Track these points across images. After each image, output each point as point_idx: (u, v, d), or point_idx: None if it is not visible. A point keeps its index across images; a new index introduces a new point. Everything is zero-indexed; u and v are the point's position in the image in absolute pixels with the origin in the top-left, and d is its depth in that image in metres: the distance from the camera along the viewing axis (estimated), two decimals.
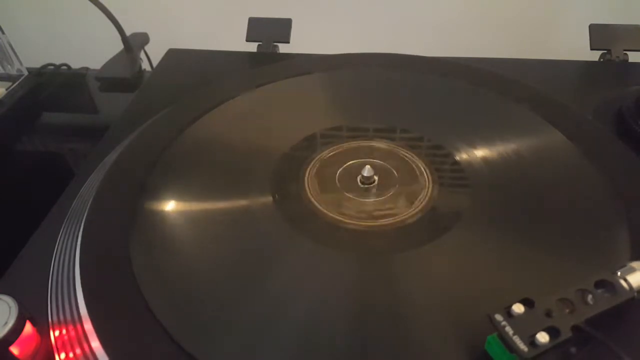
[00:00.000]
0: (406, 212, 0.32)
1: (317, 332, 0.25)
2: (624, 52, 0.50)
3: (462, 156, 0.36)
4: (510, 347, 0.21)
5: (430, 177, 0.34)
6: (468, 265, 0.28)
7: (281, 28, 0.55)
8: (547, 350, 0.21)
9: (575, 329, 0.22)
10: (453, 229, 0.30)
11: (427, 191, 0.33)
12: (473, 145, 0.36)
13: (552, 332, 0.21)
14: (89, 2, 0.55)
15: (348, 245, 0.30)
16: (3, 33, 0.57)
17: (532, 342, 0.21)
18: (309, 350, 0.24)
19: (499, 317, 0.22)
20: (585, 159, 0.34)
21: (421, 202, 0.32)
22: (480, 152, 0.36)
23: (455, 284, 0.27)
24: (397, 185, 0.34)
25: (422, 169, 0.35)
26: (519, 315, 0.22)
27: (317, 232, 0.31)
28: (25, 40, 0.63)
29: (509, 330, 0.22)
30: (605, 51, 0.51)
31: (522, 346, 0.21)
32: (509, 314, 0.22)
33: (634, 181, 0.33)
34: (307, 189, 0.34)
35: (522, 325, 0.22)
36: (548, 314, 0.22)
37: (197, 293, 0.27)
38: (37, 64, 0.63)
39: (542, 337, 0.21)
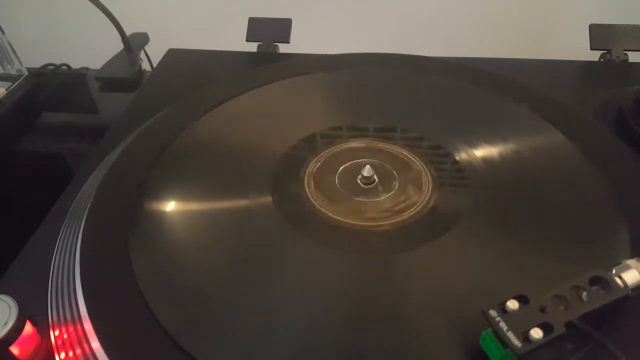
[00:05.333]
0: (406, 211, 0.32)
1: (317, 331, 0.25)
2: (624, 52, 0.50)
3: (462, 156, 0.36)
4: (504, 342, 0.21)
5: (430, 177, 0.34)
6: (468, 265, 0.28)
7: (281, 28, 0.55)
8: (540, 345, 0.21)
9: (568, 325, 0.22)
10: (453, 229, 0.30)
11: (427, 191, 0.33)
12: (473, 145, 0.36)
13: (546, 328, 0.22)
14: (89, 2, 0.55)
15: (348, 245, 0.30)
16: (3, 33, 0.57)
17: (525, 338, 0.21)
18: (309, 350, 0.24)
19: (493, 312, 0.22)
20: (585, 159, 0.34)
21: (421, 202, 0.32)
22: (480, 152, 0.36)
23: (455, 283, 0.27)
24: (397, 185, 0.34)
25: (422, 168, 0.35)
26: (513, 311, 0.22)
27: (317, 232, 0.31)
28: (25, 40, 0.63)
29: (503, 326, 0.22)
30: (605, 51, 0.51)
31: (516, 342, 0.21)
32: (503, 310, 0.22)
33: (634, 181, 0.33)
34: (307, 189, 0.34)
35: (516, 321, 0.22)
36: (542, 310, 0.22)
37: (197, 293, 0.27)
38: (37, 64, 0.63)
39: (536, 333, 0.21)
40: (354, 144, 0.38)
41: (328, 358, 0.24)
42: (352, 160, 0.36)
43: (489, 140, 0.37)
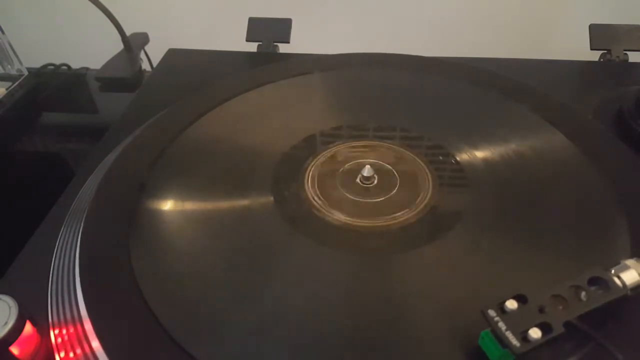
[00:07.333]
0: (406, 212, 0.32)
1: (317, 331, 0.25)
2: (624, 52, 0.50)
3: (462, 156, 0.36)
4: (503, 342, 0.21)
5: (430, 177, 0.34)
6: (468, 265, 0.28)
7: (281, 28, 0.55)
8: (539, 345, 0.21)
9: (567, 325, 0.22)
10: (453, 229, 0.30)
11: (427, 191, 0.33)
12: (473, 145, 0.36)
13: (545, 328, 0.22)
14: (89, 2, 0.55)
15: (348, 245, 0.30)
16: (3, 33, 0.57)
17: (524, 338, 0.21)
18: (309, 350, 0.24)
19: (492, 312, 0.22)
20: (585, 159, 0.34)
21: (421, 202, 0.32)
22: (480, 152, 0.36)
23: (455, 283, 0.27)
24: (397, 185, 0.34)
25: (422, 169, 0.35)
26: (512, 311, 0.22)
27: (317, 232, 0.31)
28: (25, 40, 0.63)
29: (501, 325, 0.22)
30: (605, 51, 0.51)
31: (515, 341, 0.21)
32: (502, 310, 0.22)
33: (634, 181, 0.33)
34: (307, 189, 0.34)
35: (515, 321, 0.22)
36: (541, 310, 0.22)
37: (197, 293, 0.27)
38: (37, 64, 0.63)
39: (535, 333, 0.21)
40: (354, 144, 0.38)
41: (328, 358, 0.24)
42: (352, 161, 0.36)
43: (489, 140, 0.37)
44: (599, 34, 0.51)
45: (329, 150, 0.37)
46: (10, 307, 0.25)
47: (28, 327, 0.25)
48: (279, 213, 0.32)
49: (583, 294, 0.23)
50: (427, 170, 0.35)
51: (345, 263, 0.29)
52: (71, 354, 0.25)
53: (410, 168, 0.35)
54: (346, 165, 0.36)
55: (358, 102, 0.43)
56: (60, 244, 0.32)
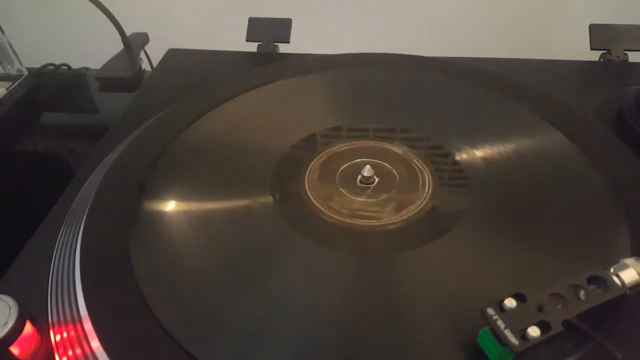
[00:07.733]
0: (406, 211, 0.32)
1: (317, 331, 0.25)
2: (624, 52, 0.50)
3: (462, 156, 0.36)
4: (502, 340, 0.21)
5: (430, 177, 0.34)
6: (468, 265, 0.28)
7: (281, 28, 0.55)
8: (538, 344, 0.21)
9: (566, 323, 0.22)
10: (453, 229, 0.30)
11: (427, 191, 0.33)
12: (473, 145, 0.36)
13: (544, 326, 0.22)
14: (89, 2, 0.55)
15: (348, 245, 0.30)
16: (3, 33, 0.57)
17: (523, 336, 0.21)
18: (309, 350, 0.24)
19: (490, 310, 0.22)
20: (585, 159, 0.35)
21: (421, 202, 0.32)
22: (480, 152, 0.36)
23: (455, 283, 0.27)
24: (397, 185, 0.34)
25: (422, 169, 0.35)
26: (511, 310, 0.22)
27: (317, 232, 0.31)
28: (25, 40, 0.63)
29: (500, 324, 0.22)
30: (605, 51, 0.51)
31: (513, 340, 0.21)
32: (501, 308, 0.22)
33: (634, 181, 0.33)
34: (307, 189, 0.34)
35: (514, 319, 0.22)
36: (540, 309, 0.22)
37: (197, 293, 0.27)
38: (37, 64, 0.63)
39: (533, 331, 0.21)
40: (354, 144, 0.38)
41: (327, 357, 0.24)
42: (352, 160, 0.36)
43: (489, 140, 0.37)
44: (599, 34, 0.51)
45: (329, 150, 0.37)
46: (10, 307, 0.25)
47: (28, 327, 0.25)
48: (279, 213, 0.32)
49: (582, 292, 0.23)
50: (427, 170, 0.35)
51: (345, 263, 0.29)
52: (71, 354, 0.25)
53: (410, 168, 0.35)
54: (346, 165, 0.36)
55: (358, 102, 0.43)
56: (60, 244, 0.32)
